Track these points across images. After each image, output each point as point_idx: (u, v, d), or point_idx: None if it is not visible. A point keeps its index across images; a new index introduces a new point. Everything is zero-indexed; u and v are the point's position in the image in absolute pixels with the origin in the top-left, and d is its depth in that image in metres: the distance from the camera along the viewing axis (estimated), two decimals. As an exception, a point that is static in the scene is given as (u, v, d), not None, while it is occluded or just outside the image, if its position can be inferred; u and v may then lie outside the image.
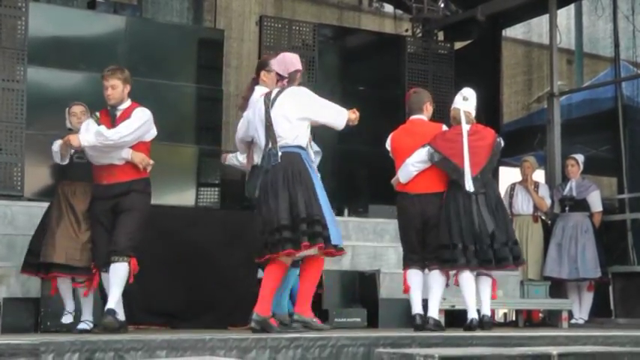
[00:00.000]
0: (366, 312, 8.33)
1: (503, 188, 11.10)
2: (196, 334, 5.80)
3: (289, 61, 6.52)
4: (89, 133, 6.53)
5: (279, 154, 6.25)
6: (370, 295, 8.47)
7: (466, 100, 7.34)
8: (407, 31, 12.65)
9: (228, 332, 6.60)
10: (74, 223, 6.71)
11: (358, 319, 8.22)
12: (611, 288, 10.43)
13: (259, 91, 6.70)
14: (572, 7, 12.86)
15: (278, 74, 6.52)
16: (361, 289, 8.64)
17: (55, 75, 9.20)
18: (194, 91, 10.23)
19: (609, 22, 12.11)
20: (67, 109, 7.26)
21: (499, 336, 6.34)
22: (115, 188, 6.55)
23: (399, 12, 13.48)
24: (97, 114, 6.74)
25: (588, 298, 10.07)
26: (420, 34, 12.31)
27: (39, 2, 9.56)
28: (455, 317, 8.39)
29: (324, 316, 8.12)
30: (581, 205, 10.08)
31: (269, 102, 6.37)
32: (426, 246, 7.10)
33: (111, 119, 6.61)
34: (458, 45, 12.30)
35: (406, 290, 7.17)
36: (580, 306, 10.02)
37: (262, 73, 6.88)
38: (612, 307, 10.47)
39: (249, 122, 6.55)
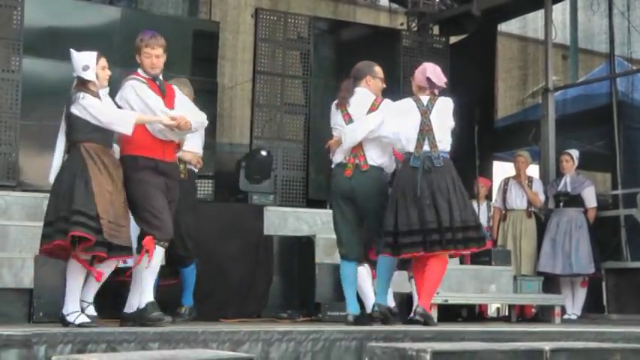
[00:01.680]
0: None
1: (497, 183, 11.14)
2: (189, 326, 5.81)
3: (440, 73, 6.85)
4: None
5: (440, 157, 6.63)
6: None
7: None
8: (402, 24, 12.65)
9: (221, 325, 6.60)
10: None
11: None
12: (604, 284, 10.44)
13: (365, 94, 6.97)
14: (567, 2, 12.86)
15: (430, 81, 6.77)
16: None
17: (51, 65, 9.17)
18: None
19: (604, 18, 12.12)
20: (95, 59, 6.19)
21: (492, 331, 6.35)
22: (175, 167, 6.45)
23: (395, 5, 13.46)
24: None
25: (582, 293, 10.09)
26: (415, 28, 12.30)
27: (34, -7, 9.54)
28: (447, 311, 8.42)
29: (316, 310, 8.14)
30: (575, 200, 10.09)
31: (425, 108, 6.69)
32: None
33: (160, 91, 6.37)
34: (453, 39, 12.30)
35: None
36: (573, 301, 10.04)
37: (368, 78, 7.03)
38: (605, 303, 10.48)
39: (385, 122, 6.79)
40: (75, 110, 5.96)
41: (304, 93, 10.93)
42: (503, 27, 13.77)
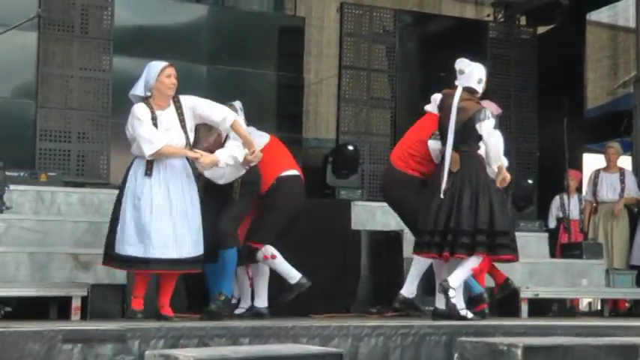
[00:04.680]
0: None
1: (587, 175, 10.94)
2: (279, 321, 5.84)
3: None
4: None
5: None
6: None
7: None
8: (488, 16, 12.51)
9: (311, 320, 6.62)
10: None
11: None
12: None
13: None
14: (659, -12, 12.55)
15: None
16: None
17: (140, 64, 9.19)
18: (275, 78, 10.29)
19: (698, 4, 11.77)
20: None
21: (585, 325, 6.26)
22: None
23: (481, -3, 13.34)
24: None
25: (677, 287, 9.85)
26: (502, 19, 12.15)
27: (124, -7, 9.73)
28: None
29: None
30: (668, 192, 9.87)
31: None
32: None
33: None
34: (541, 29, 12.11)
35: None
36: (668, 295, 9.80)
37: None
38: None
39: None
40: None
41: (390, 87, 10.89)
42: (593, 16, 13.52)
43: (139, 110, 6.18)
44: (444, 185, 6.57)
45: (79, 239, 7.48)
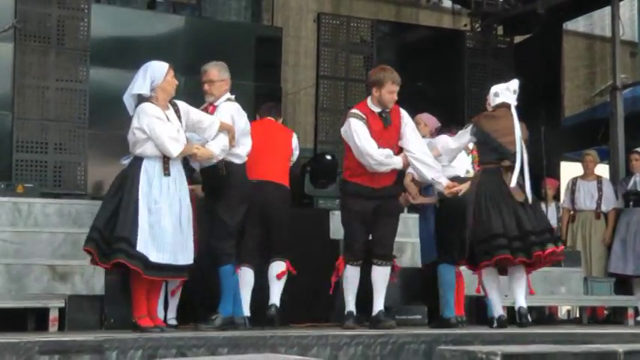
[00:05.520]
0: (426, 309, 8.27)
1: (564, 183, 10.98)
2: (258, 331, 5.83)
3: None
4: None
5: None
6: (431, 291, 8.40)
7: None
8: (466, 25, 12.55)
9: (289, 329, 6.60)
10: None
11: (419, 317, 8.17)
12: (677, 284, 10.22)
13: None
14: (634, -2, 12.68)
15: None
16: (422, 286, 8.58)
17: (117, 75, 9.30)
18: (252, 88, 10.28)
19: (673, 13, 11.91)
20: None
21: (563, 333, 6.28)
22: None
23: (458, 7, 13.38)
24: None
25: (655, 294, 9.89)
26: (479, 29, 12.20)
27: (100, 4, 9.69)
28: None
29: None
30: (645, 199, 9.91)
31: None
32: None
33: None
34: (518, 39, 12.17)
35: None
36: (646, 303, 9.85)
37: None
38: (679, 303, 10.26)
39: None
40: None
41: (368, 97, 10.89)
42: (569, 25, 13.60)
43: (154, 109, 6.11)
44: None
45: (56, 250, 7.45)
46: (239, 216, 6.71)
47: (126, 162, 6.25)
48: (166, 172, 6.08)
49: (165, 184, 6.08)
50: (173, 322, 6.87)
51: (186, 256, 6.12)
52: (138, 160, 6.12)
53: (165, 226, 6.00)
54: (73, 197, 8.58)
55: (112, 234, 5.98)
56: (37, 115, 9.03)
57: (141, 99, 6.15)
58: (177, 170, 6.19)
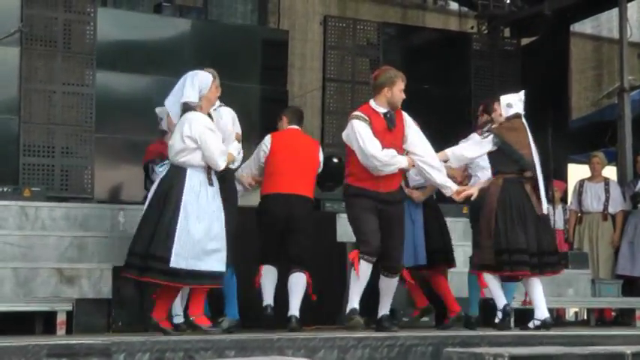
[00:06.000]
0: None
1: (572, 185, 10.96)
2: (265, 334, 5.82)
3: None
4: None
5: None
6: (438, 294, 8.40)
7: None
8: (472, 28, 12.54)
9: (297, 332, 6.60)
10: None
11: (426, 319, 8.16)
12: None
13: None
14: (642, -1, 12.63)
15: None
16: (429, 288, 8.57)
17: (123, 78, 9.33)
18: (259, 91, 10.29)
19: (681, 14, 11.88)
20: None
21: (571, 335, 6.26)
22: None
23: (464, 9, 13.37)
24: None
25: (663, 296, 9.86)
26: (485, 31, 12.19)
27: (106, 7, 9.72)
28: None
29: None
30: (653, 202, 9.89)
31: None
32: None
33: None
34: (525, 41, 12.15)
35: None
36: (654, 304, 9.82)
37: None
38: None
39: None
40: None
41: (374, 99, 10.88)
42: (576, 27, 13.57)
43: (206, 120, 6.18)
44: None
45: (63, 254, 7.45)
46: (235, 220, 6.72)
47: (162, 169, 6.24)
48: (210, 182, 6.14)
49: (211, 194, 6.14)
50: (180, 319, 6.82)
51: (220, 264, 6.14)
52: (180, 170, 6.12)
53: (201, 235, 6.02)
54: (79, 201, 8.59)
55: (148, 250, 5.98)
56: (43, 119, 9.05)
57: (186, 107, 6.16)
58: (215, 180, 6.25)
